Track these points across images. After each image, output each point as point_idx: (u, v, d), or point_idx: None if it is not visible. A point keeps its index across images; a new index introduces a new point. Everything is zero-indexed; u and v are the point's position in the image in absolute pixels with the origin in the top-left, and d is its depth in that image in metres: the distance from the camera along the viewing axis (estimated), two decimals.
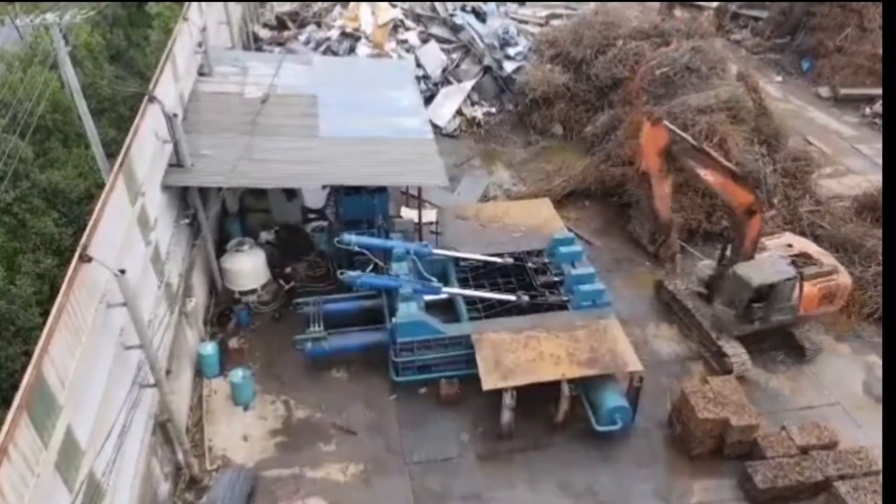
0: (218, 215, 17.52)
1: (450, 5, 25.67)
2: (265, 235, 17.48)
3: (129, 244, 11.23)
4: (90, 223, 9.80)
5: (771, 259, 14.19)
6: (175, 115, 13.59)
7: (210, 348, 14.08)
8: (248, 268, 15.62)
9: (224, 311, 15.65)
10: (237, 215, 17.89)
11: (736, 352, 14.18)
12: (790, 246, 14.82)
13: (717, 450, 12.70)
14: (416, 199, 19.25)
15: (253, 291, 15.81)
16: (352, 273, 13.51)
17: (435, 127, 22.66)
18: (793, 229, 17.39)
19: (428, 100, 23.35)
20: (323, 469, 12.62)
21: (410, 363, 13.76)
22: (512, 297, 14.26)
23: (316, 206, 18.57)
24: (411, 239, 16.01)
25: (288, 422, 13.49)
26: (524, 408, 13.05)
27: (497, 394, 12.78)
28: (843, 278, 14.41)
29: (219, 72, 18.13)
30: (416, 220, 17.05)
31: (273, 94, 17.45)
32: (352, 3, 26.08)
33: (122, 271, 9.54)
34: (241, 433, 13.19)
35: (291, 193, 17.50)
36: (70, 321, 8.58)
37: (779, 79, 27.40)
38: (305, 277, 16.42)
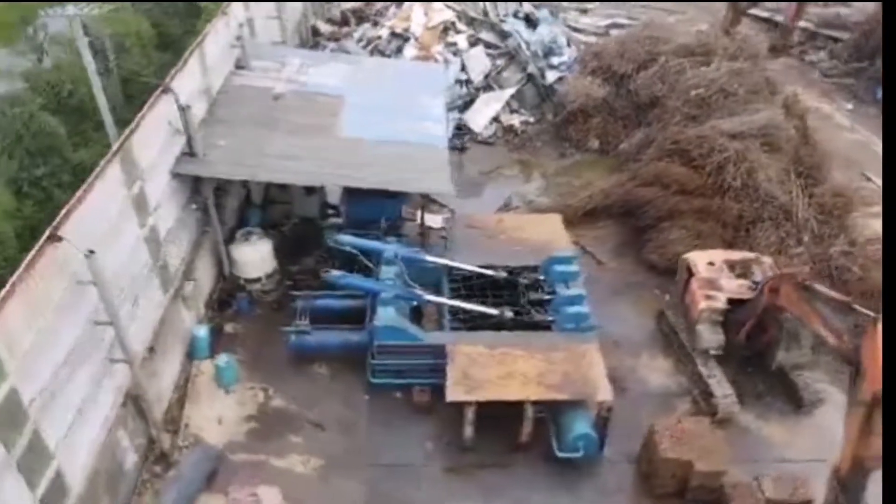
0: (241, 204, 18.31)
1: (502, 10, 25.59)
2: (285, 227, 18.10)
3: (120, 226, 11.91)
4: (69, 204, 10.50)
5: None
6: (188, 107, 14.23)
7: (202, 331, 14.72)
8: (254, 257, 16.20)
9: (226, 296, 16.30)
10: (261, 205, 18.64)
11: (723, 393, 13.56)
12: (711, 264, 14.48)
13: (682, 492, 12.21)
14: (435, 204, 19.57)
15: (257, 280, 16.40)
16: (335, 272, 13.81)
17: (470, 132, 22.87)
18: (820, 270, 16.42)
19: (467, 104, 23.49)
20: (286, 459, 13.00)
21: (386, 367, 13.93)
22: (495, 312, 14.16)
23: (336, 202, 18.99)
24: (412, 244, 16.12)
25: (263, 409, 13.95)
26: (494, 424, 12.96)
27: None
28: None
29: (256, 66, 18.78)
30: (426, 225, 17.20)
31: (301, 91, 17.99)
32: (406, 3, 26.43)
33: (91, 252, 10.19)
34: (217, 415, 13.75)
35: (311, 188, 17.96)
36: (29, 296, 9.24)
37: (849, 106, 25.70)
38: (311, 271, 16.89)
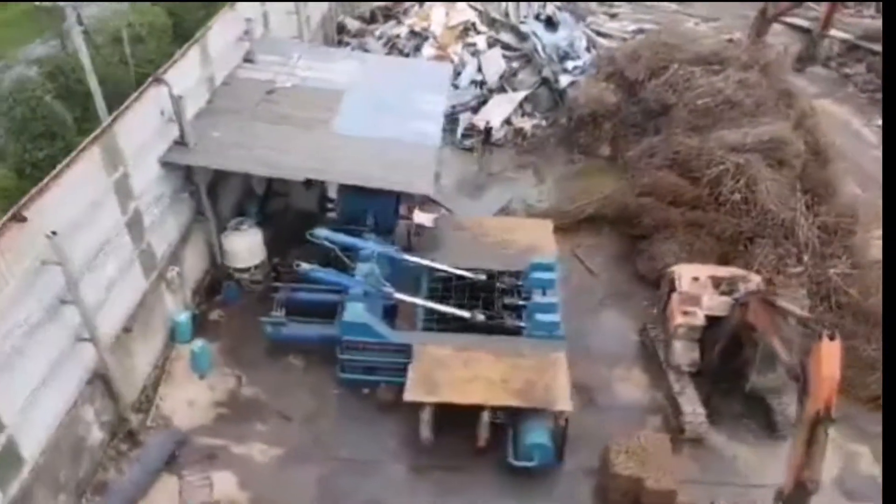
0: (243, 194, 18.69)
1: (524, 11, 25.38)
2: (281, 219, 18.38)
3: (98, 209, 12.31)
4: (39, 186, 10.91)
5: None
6: (180, 97, 14.60)
7: (184, 316, 15.10)
8: (244, 248, 16.49)
9: (214, 284, 16.65)
10: (262, 197, 19.00)
11: (693, 411, 13.19)
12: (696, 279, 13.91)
13: None
14: (434, 203, 19.61)
15: (246, 270, 16.70)
16: (306, 266, 13.99)
17: (480, 133, 22.72)
18: (818, 291, 15.81)
19: (481, 105, 23.42)
20: (248, 446, 13.25)
21: (355, 362, 14.02)
22: (466, 314, 14.09)
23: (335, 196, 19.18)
24: (395, 242, 16.16)
25: (234, 396, 14.24)
26: (458, 426, 12.91)
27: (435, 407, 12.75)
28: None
29: (263, 60, 19.13)
30: (418, 224, 17.25)
31: (302, 86, 18.25)
32: (427, 3, 26.47)
33: (54, 233, 10.59)
34: (189, 398, 14.08)
35: (309, 182, 18.16)
36: None
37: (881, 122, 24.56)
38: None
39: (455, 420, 12.83)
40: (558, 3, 26.44)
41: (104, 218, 12.56)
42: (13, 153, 15.63)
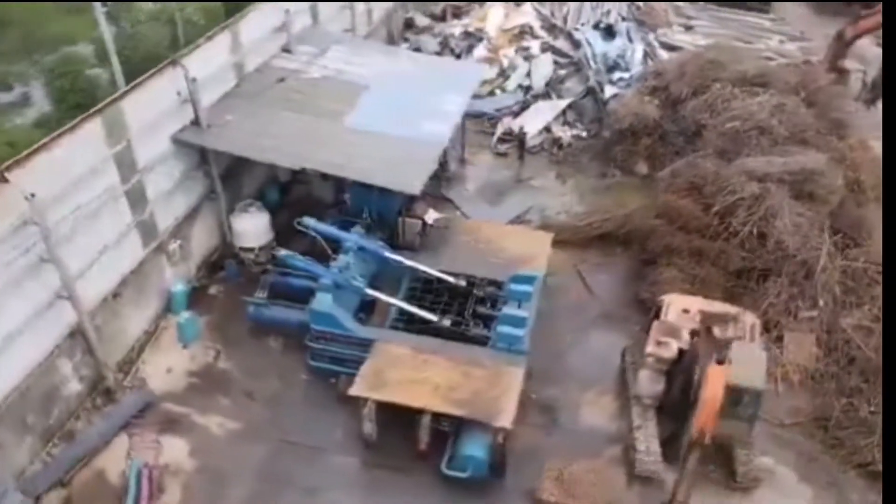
0: (266, 179, 19.46)
1: (584, 17, 24.75)
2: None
3: (94, 176, 13.20)
4: (29, 150, 11.86)
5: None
6: (194, 79, 15.37)
7: (180, 287, 15.92)
8: (250, 228, 17.14)
9: (220, 261, 17.42)
10: (285, 184, 19.76)
11: (647, 449, 12.49)
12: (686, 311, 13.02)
13: None
14: (450, 204, 19.63)
15: (251, 250, 17.36)
16: (284, 252, 14.37)
17: (517, 139, 22.44)
18: (828, 342, 14.55)
19: (522, 110, 23.13)
20: (207, 418, 13.82)
21: (323, 352, 14.29)
22: (434, 318, 14.01)
23: None
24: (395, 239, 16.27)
25: (208, 369, 14.88)
26: (408, 427, 12.90)
27: (381, 404, 12.83)
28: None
29: (299, 51, 19.78)
30: (424, 222, 17.28)
31: (330, 77, 18.73)
32: (487, 3, 26.33)
33: (33, 195, 11.49)
34: (168, 365, 14.85)
35: (325, 174, 18.60)
36: None
37: None
38: (304, 252, 17.58)
39: (410, 421, 12.80)
40: (624, 13, 25.54)
41: (99, 186, 13.43)
42: (53, 120, 17.05)
